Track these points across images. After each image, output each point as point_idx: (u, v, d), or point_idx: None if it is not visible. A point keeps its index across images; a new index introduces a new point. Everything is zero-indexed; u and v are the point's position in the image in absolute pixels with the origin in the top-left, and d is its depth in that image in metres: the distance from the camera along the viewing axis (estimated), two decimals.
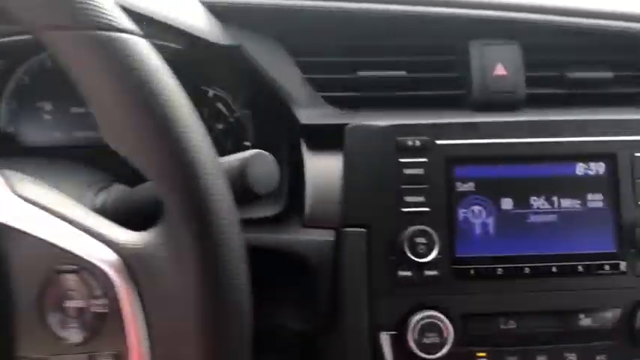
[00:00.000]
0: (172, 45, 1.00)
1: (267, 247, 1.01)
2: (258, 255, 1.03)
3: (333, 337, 1.00)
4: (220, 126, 1.15)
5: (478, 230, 1.03)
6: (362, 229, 1.00)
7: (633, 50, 1.13)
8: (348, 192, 1.01)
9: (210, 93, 1.13)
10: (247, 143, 1.14)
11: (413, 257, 0.98)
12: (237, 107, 1.14)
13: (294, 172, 1.06)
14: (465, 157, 1.02)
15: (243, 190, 0.80)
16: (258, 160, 0.82)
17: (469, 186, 1.04)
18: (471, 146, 1.04)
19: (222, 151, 1.11)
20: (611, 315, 1.03)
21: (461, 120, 1.03)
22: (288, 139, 1.08)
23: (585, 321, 1.03)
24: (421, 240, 0.99)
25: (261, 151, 0.86)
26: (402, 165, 1.02)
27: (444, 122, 1.03)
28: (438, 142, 1.03)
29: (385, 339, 1.00)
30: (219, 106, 1.15)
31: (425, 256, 0.99)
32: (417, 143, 1.03)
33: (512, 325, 1.02)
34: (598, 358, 1.00)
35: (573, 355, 1.01)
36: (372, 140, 1.03)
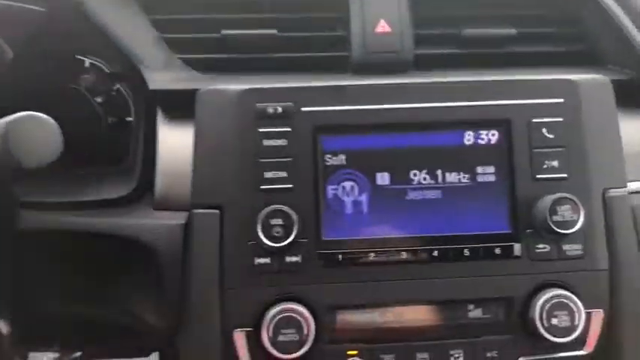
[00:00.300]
0: (35, 8, 0.93)
1: (106, 233, 0.92)
2: (106, 239, 0.91)
3: (186, 334, 0.91)
4: (99, 99, 1.04)
5: (349, 209, 0.92)
6: (214, 211, 0.90)
7: (539, 4, 1.03)
8: (198, 167, 0.91)
9: (87, 63, 1.04)
10: (130, 119, 1.04)
11: (267, 241, 0.87)
12: (117, 78, 1.03)
13: (150, 146, 0.95)
14: (334, 126, 0.92)
15: (3, 160, 0.65)
16: (27, 125, 0.67)
17: (339, 159, 0.92)
18: (341, 113, 0.92)
19: (101, 127, 0.96)
20: (503, 305, 0.92)
21: (329, 83, 0.91)
22: (145, 108, 0.98)
23: (474, 312, 0.93)
24: (277, 221, 0.88)
25: (33, 113, 0.71)
26: (261, 135, 0.91)
27: (310, 86, 0.92)
28: (304, 109, 0.92)
29: (240, 337, 0.90)
30: (97, 77, 1.05)
31: (281, 239, 0.87)
32: (279, 110, 0.92)
33: (388, 318, 0.92)
34: (489, 354, 0.87)
35: (460, 351, 0.89)
36: (227, 107, 0.92)
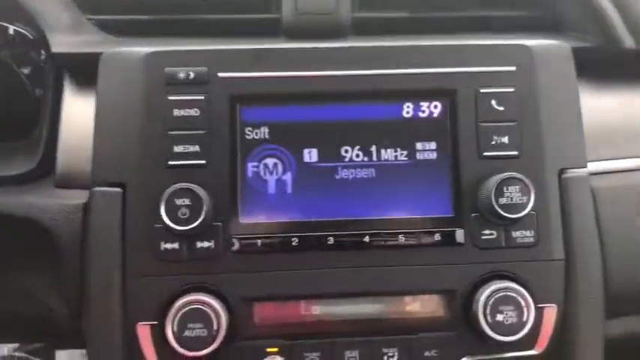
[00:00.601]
0: None
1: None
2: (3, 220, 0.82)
3: (89, 325, 0.84)
4: (26, 70, 0.95)
5: (272, 189, 0.84)
6: (115, 189, 0.82)
7: None
8: (100, 140, 0.83)
9: (11, 30, 0.94)
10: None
11: (170, 224, 0.79)
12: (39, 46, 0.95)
13: (57, 118, 0.89)
14: (255, 94, 0.84)
15: None
16: None
17: (261, 133, 0.84)
18: (263, 81, 0.84)
19: (29, 100, 0.88)
20: (444, 299, 0.84)
21: (250, 46, 0.84)
22: (52, 76, 0.91)
23: (411, 306, 0.84)
24: (183, 201, 0.79)
25: None
26: (170, 104, 0.83)
27: (227, 49, 0.84)
28: (220, 74, 0.84)
29: (144, 331, 0.81)
30: (24, 46, 0.95)
31: (188, 222, 0.79)
32: (192, 76, 0.83)
33: (313, 311, 0.84)
34: (427, 354, 0.79)
35: (394, 350, 0.83)
36: (132, 72, 0.84)
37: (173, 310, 0.79)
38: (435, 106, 0.85)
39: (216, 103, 0.82)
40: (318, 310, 0.83)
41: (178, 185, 0.79)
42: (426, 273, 0.83)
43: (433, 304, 0.84)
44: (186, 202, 0.79)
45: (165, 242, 0.81)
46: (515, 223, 0.83)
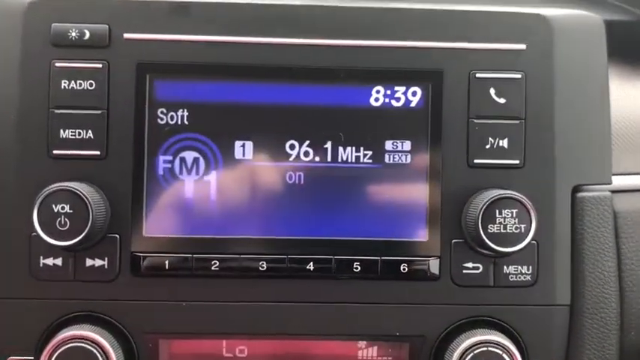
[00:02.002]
0: None
1: None
2: None
3: None
4: None
5: (189, 193, 0.71)
6: None
7: None
8: None
9: None
10: None
11: (45, 236, 0.66)
12: None
13: None
14: (173, 64, 0.70)
15: None
16: None
17: (178, 116, 0.70)
18: (184, 46, 0.70)
19: None
20: (408, 347, 0.72)
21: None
22: None
23: (365, 352, 0.73)
24: (63, 207, 0.66)
25: None
26: (58, 73, 0.70)
27: (136, 0, 0.70)
28: (127, 35, 0.70)
29: None
30: None
31: (67, 235, 0.65)
32: (87, 35, 0.69)
33: (239, 353, 0.72)
34: None
35: None
36: (8, 28, 0.70)
37: (50, 347, 0.67)
38: (413, 93, 0.71)
39: (119, 74, 0.70)
40: (245, 352, 0.72)
41: (57, 186, 0.66)
42: (387, 313, 0.71)
43: (394, 353, 0.72)
44: (67, 208, 0.66)
45: (46, 257, 0.69)
46: (509, 255, 0.70)
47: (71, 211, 0.65)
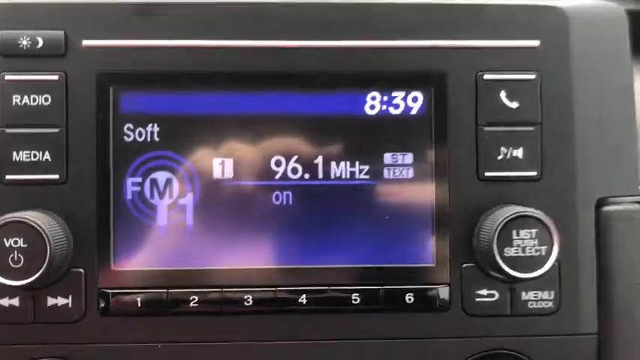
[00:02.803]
0: None
1: None
2: None
3: None
4: None
5: (162, 220, 0.64)
6: None
7: None
8: None
9: None
10: None
11: None
12: None
13: None
14: (140, 73, 0.64)
15: None
16: None
17: (148, 132, 0.64)
18: (152, 52, 0.64)
19: None
20: None
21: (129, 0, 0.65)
22: None
23: None
24: (16, 241, 0.59)
25: None
26: (8, 87, 0.63)
27: (95, 2, 0.64)
28: (87, 42, 0.64)
29: None
30: None
31: (21, 274, 0.58)
32: (40, 43, 0.63)
33: None
34: None
35: None
36: None
37: None
38: (414, 99, 0.65)
39: (78, 86, 0.64)
40: None
41: (8, 217, 0.59)
42: (392, 350, 0.65)
43: None
44: (20, 242, 0.59)
45: (1, 296, 0.63)
46: (526, 280, 0.63)
47: (25, 246, 0.58)
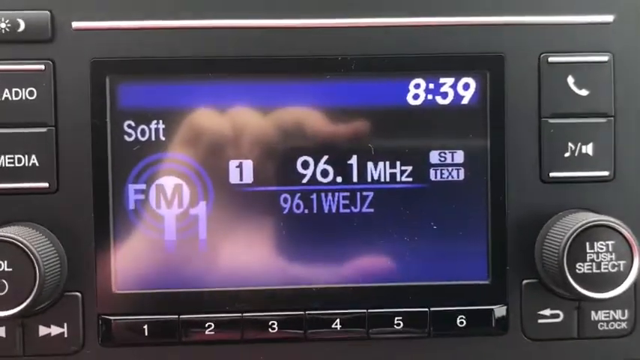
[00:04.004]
0: None
1: None
2: None
3: None
4: None
5: (171, 234, 0.58)
6: None
7: None
8: None
9: None
10: None
11: None
12: None
13: None
14: (142, 61, 0.57)
15: None
16: None
17: (152, 129, 0.57)
18: (153, 36, 0.57)
19: None
20: None
21: None
22: None
23: None
24: (0, 266, 0.53)
25: None
26: None
27: None
28: (77, 24, 0.57)
29: None
30: None
31: (8, 303, 0.53)
32: (21, 26, 0.56)
33: None
34: None
35: None
36: None
37: None
38: (465, 86, 0.59)
39: (68, 77, 0.58)
40: None
41: None
42: None
43: None
44: (4, 265, 0.52)
45: None
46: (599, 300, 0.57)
47: (10, 270, 0.52)
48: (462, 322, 0.58)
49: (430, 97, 0.58)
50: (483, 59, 0.58)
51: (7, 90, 0.56)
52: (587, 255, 0.54)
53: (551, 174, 0.58)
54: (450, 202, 0.59)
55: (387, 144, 0.59)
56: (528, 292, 0.59)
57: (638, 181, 0.60)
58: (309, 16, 0.58)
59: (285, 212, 0.57)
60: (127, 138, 0.57)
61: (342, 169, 0.58)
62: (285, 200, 0.58)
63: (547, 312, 0.58)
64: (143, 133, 0.57)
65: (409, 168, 0.58)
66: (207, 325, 0.57)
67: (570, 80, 0.58)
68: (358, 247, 0.59)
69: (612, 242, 0.54)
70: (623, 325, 0.59)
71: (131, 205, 0.57)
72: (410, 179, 0.58)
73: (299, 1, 0.58)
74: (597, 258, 0.54)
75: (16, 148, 0.57)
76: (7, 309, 0.53)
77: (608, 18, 0.59)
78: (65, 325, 0.57)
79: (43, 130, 0.57)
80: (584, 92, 0.58)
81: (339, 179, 0.58)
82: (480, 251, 0.59)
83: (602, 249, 0.54)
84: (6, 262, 0.52)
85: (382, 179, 0.58)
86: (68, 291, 0.57)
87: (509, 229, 0.59)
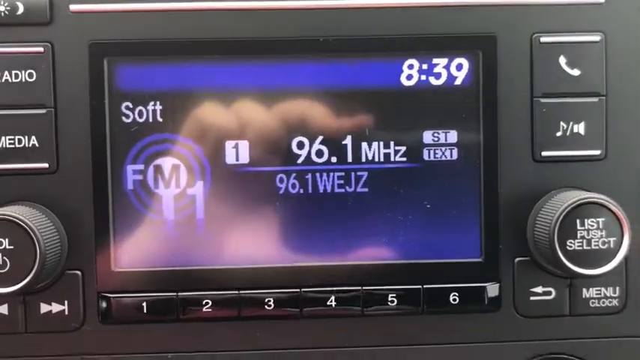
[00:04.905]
0: None
1: None
2: None
3: None
4: None
5: (169, 213, 0.58)
6: None
7: None
8: None
9: None
10: None
11: None
12: None
13: None
14: (139, 43, 0.58)
15: None
16: None
17: (150, 110, 0.58)
18: (151, 18, 0.57)
19: None
20: None
21: None
22: None
23: None
24: (1, 243, 0.54)
25: None
26: None
27: None
28: (75, 7, 0.58)
29: None
30: None
31: (8, 281, 0.54)
32: (19, 9, 0.57)
33: None
34: None
35: None
36: None
37: None
38: (458, 67, 0.59)
39: (67, 59, 0.58)
40: None
41: None
42: (433, 357, 0.60)
43: None
44: (5, 243, 0.53)
45: None
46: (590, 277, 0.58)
47: (11, 247, 0.53)
48: (454, 300, 0.59)
49: (423, 77, 0.58)
50: (476, 39, 0.59)
51: (6, 72, 0.57)
52: (578, 232, 0.55)
53: (543, 153, 0.59)
54: (444, 182, 0.59)
55: (381, 124, 0.59)
56: (521, 269, 0.59)
57: (628, 160, 0.59)
58: None
59: (281, 192, 0.58)
60: (124, 119, 0.58)
61: (337, 150, 0.58)
62: (281, 180, 0.58)
63: (539, 289, 0.59)
64: (141, 114, 0.58)
65: (403, 148, 0.58)
66: (204, 302, 0.58)
67: (562, 60, 0.59)
68: (353, 226, 0.59)
69: (603, 219, 0.55)
70: (615, 302, 0.59)
71: (130, 186, 0.58)
72: (404, 159, 0.58)
73: None
74: (588, 235, 0.55)
75: (17, 129, 0.57)
76: (8, 286, 0.54)
77: (600, 11, 0.59)
78: (66, 302, 0.58)
79: (43, 111, 0.57)
80: (576, 72, 0.59)
81: (333, 159, 0.58)
82: (473, 230, 0.59)
83: (592, 226, 0.55)
84: (7, 240, 0.53)
85: (376, 159, 0.58)
86: (69, 269, 0.58)
87: (502, 207, 0.59)
